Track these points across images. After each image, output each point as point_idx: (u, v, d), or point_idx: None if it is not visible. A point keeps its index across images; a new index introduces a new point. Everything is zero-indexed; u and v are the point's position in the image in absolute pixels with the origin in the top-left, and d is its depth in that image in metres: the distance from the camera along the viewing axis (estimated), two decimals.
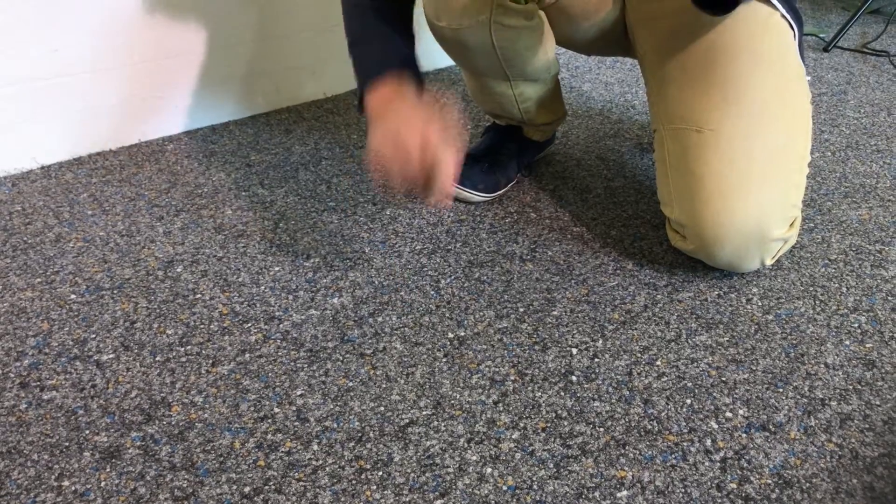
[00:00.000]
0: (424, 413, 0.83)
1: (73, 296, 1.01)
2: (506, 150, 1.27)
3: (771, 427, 0.81)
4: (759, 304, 1.00)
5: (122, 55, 1.36)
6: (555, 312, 0.98)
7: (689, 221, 1.00)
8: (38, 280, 1.04)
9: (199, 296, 1.02)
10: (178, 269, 1.07)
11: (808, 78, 1.05)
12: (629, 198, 1.24)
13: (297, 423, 0.82)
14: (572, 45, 1.25)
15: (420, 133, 0.87)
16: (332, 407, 0.84)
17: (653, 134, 1.09)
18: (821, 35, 2.00)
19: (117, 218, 1.19)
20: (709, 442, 0.80)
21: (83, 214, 1.20)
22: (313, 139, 1.46)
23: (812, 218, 1.18)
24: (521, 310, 0.99)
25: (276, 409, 0.84)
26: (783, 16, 1.01)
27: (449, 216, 1.19)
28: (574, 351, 0.92)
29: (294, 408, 0.84)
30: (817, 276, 1.05)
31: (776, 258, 1.02)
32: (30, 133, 1.32)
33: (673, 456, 0.78)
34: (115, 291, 1.02)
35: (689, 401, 0.85)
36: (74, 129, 1.37)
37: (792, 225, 0.99)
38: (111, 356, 0.91)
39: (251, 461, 0.77)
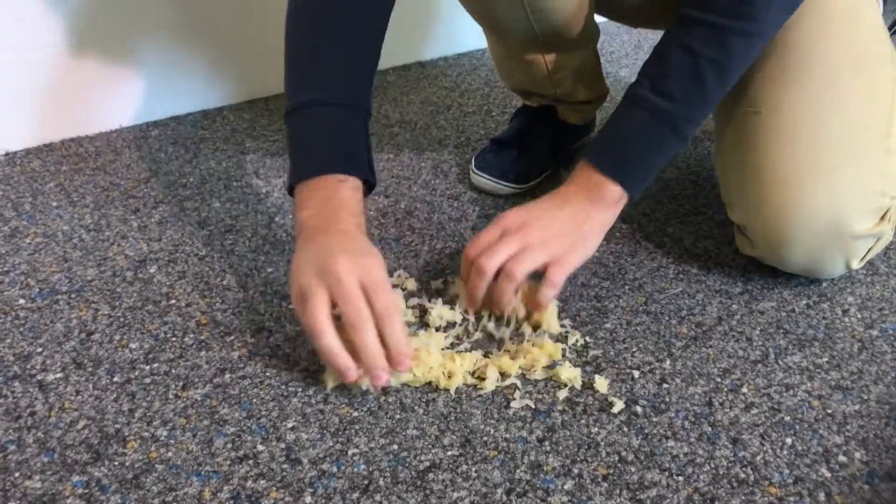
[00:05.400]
0: (450, 454, 0.65)
1: (21, 300, 0.84)
2: (538, 135, 1.10)
3: None
4: (859, 315, 0.81)
5: (100, 28, 1.19)
6: (607, 325, 0.80)
7: (750, 221, 0.84)
8: None
9: (173, 301, 0.84)
10: (151, 270, 0.89)
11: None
12: (685, 191, 1.06)
13: (285, 466, 0.64)
14: (616, 13, 1.07)
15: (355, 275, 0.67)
16: (331, 444, 0.66)
17: (712, 118, 0.92)
18: None
19: (86, 210, 1.02)
20: (822, 496, 0.61)
21: (47, 206, 1.03)
22: None
23: None
24: (566, 320, 0.81)
25: (260, 447, 0.66)
26: None
27: (474, 211, 1.02)
28: (636, 374, 0.74)
29: (283, 445, 0.66)
30: None
31: (866, 259, 0.84)
32: None
33: None
34: (72, 295, 0.85)
35: (789, 440, 0.66)
36: (44, 112, 1.20)
37: (884, 217, 0.81)
38: (58, 375, 0.73)
39: None
